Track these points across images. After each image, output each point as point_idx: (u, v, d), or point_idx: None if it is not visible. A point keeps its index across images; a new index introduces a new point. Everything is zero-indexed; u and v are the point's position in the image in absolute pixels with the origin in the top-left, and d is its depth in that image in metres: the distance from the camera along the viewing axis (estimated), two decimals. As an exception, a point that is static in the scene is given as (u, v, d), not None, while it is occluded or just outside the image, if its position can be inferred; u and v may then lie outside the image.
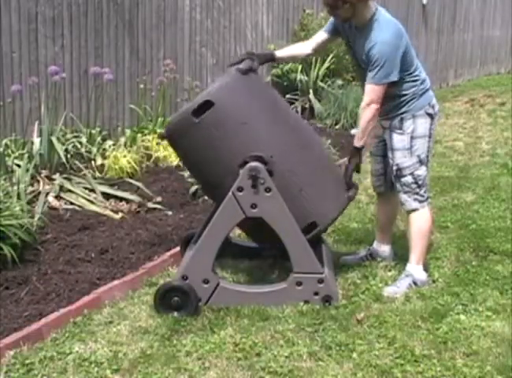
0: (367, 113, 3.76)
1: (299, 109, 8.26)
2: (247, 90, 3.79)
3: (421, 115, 3.87)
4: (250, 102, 3.75)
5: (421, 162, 3.88)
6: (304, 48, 4.17)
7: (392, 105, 3.86)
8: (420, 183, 3.89)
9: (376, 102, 3.73)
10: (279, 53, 4.10)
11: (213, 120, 3.64)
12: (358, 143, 3.83)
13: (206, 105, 3.63)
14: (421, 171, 3.89)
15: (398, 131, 3.89)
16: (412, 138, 3.87)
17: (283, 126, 3.81)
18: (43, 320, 3.41)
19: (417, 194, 3.90)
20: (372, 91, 3.74)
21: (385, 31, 3.72)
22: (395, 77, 3.73)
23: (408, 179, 3.89)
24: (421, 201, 3.91)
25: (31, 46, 5.96)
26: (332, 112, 8.22)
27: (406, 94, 3.85)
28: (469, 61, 12.50)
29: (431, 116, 3.91)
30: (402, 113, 3.87)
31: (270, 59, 4.08)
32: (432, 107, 3.92)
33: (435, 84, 11.29)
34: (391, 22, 3.79)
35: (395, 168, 3.92)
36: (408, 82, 3.84)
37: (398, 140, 3.89)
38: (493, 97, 10.30)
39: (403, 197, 3.93)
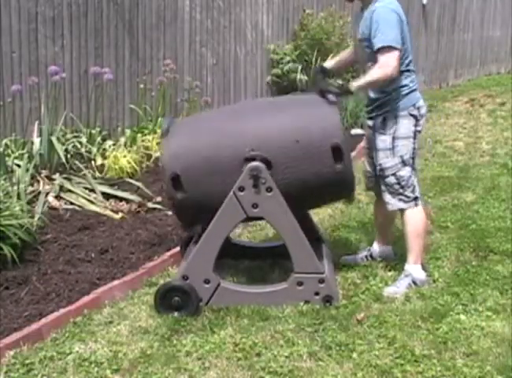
0: (378, 72, 3.68)
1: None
2: (183, 134, 3.82)
3: (404, 116, 3.85)
4: (196, 139, 3.76)
5: (404, 163, 3.87)
6: (347, 53, 4.27)
7: (376, 103, 3.87)
8: (403, 183, 3.88)
9: (389, 65, 3.64)
10: (328, 65, 4.22)
11: (191, 180, 3.68)
12: (353, 86, 3.79)
13: (175, 179, 3.67)
14: (404, 172, 3.87)
15: (381, 131, 3.88)
16: (394, 138, 3.85)
17: (237, 121, 3.82)
18: (43, 320, 3.41)
19: (401, 194, 3.89)
20: (381, 56, 3.67)
21: (384, 4, 3.74)
22: (397, 43, 3.68)
23: (391, 179, 3.89)
24: (406, 202, 3.90)
25: (31, 46, 5.96)
26: (332, 112, 8.20)
27: (390, 93, 3.82)
28: (469, 61, 12.49)
29: (415, 117, 3.87)
30: (384, 113, 3.86)
31: (322, 72, 4.14)
32: (418, 109, 3.89)
33: (435, 84, 11.35)
34: (393, 2, 3.82)
35: (378, 168, 3.93)
36: (395, 80, 3.78)
37: (380, 140, 3.89)
38: (493, 97, 10.29)
39: (387, 197, 3.93)
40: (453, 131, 8.21)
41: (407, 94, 3.85)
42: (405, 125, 3.85)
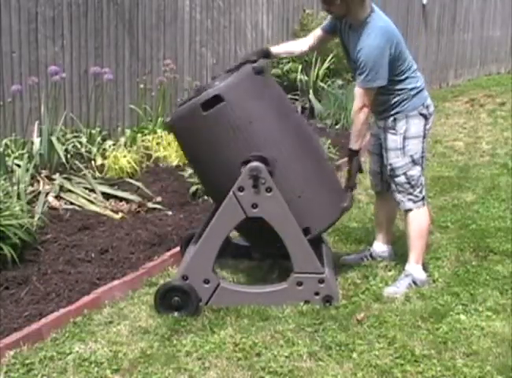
0: (360, 116, 3.78)
1: (299, 109, 8.26)
2: (257, 90, 3.78)
3: (415, 115, 3.87)
4: (258, 103, 3.74)
5: (414, 162, 3.88)
6: (300, 44, 4.19)
7: (386, 105, 3.87)
8: (413, 183, 3.89)
9: (367, 106, 3.76)
10: (274, 49, 4.11)
11: (221, 116, 3.63)
12: (354, 146, 3.85)
13: (216, 99, 3.62)
14: (415, 171, 3.89)
15: (392, 131, 3.89)
16: (405, 138, 3.86)
17: (286, 131, 3.80)
18: (43, 320, 3.41)
19: (410, 194, 3.90)
20: (361, 95, 3.77)
21: (373, 35, 3.71)
22: (383, 82, 3.74)
23: (401, 179, 3.89)
24: (415, 202, 3.91)
25: (31, 46, 5.96)
26: (332, 112, 8.22)
27: (399, 95, 3.84)
28: (469, 61, 12.49)
29: (425, 116, 3.90)
30: (395, 114, 3.87)
31: (266, 55, 4.07)
32: (426, 108, 3.91)
33: (435, 84, 11.33)
34: (382, 27, 3.76)
35: (388, 167, 3.94)
36: (402, 82, 3.84)
37: (392, 140, 3.89)
38: (493, 97, 10.30)
39: (398, 196, 3.94)
40: (453, 131, 8.21)
41: (416, 94, 3.88)
42: (415, 125, 3.87)
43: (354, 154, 3.87)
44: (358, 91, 3.78)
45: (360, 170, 3.93)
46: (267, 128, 3.71)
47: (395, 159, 3.89)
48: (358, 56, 3.74)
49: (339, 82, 8.54)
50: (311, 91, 8.43)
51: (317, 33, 4.12)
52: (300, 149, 3.82)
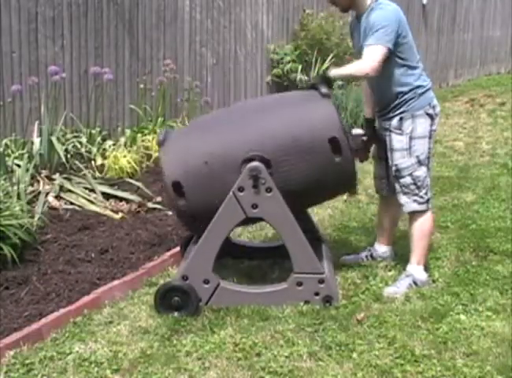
0: (359, 65, 3.70)
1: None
2: (181, 144, 3.82)
3: (421, 115, 3.86)
4: (196, 145, 3.75)
5: (420, 163, 3.87)
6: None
7: (392, 104, 3.86)
8: (419, 184, 3.87)
9: (373, 65, 3.63)
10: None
11: (192, 187, 3.66)
12: (331, 73, 3.83)
13: (176, 186, 3.67)
14: (421, 172, 3.87)
15: (398, 131, 3.88)
16: (411, 138, 3.85)
17: (236, 127, 3.80)
18: (43, 320, 3.41)
19: (416, 195, 3.88)
20: (369, 51, 3.67)
21: (381, 11, 3.74)
22: (390, 44, 3.67)
23: (407, 180, 3.88)
24: (420, 203, 3.89)
25: (31, 46, 5.96)
26: (332, 112, 8.20)
27: (405, 93, 3.84)
28: (469, 61, 12.50)
29: (431, 116, 3.89)
30: (401, 113, 3.86)
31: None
32: (433, 108, 3.90)
33: (435, 84, 11.27)
34: (391, 6, 3.80)
35: (394, 168, 3.91)
36: (408, 77, 3.82)
37: (397, 140, 3.88)
38: (493, 97, 10.30)
39: (403, 198, 3.92)
40: (453, 131, 8.21)
41: (423, 93, 3.86)
42: (422, 124, 3.85)
43: (325, 79, 3.81)
44: (365, 51, 3.68)
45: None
46: (226, 143, 3.70)
47: (401, 160, 3.87)
48: (367, 25, 3.71)
49: (339, 82, 8.54)
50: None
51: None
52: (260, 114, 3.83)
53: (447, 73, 11.99)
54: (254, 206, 3.61)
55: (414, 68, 3.85)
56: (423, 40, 11.05)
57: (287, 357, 3.18)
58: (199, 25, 7.61)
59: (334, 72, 3.87)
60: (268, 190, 3.59)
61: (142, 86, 6.88)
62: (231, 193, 3.59)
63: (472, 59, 12.58)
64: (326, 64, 8.52)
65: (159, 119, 6.79)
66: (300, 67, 8.36)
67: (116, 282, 3.88)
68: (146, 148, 6.32)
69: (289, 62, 8.38)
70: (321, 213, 5.17)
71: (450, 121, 8.79)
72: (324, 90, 3.74)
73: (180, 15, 7.35)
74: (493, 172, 6.37)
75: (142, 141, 6.42)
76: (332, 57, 8.48)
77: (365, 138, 3.99)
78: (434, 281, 4.00)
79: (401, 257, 4.20)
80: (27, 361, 3.13)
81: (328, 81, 3.84)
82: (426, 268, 4.03)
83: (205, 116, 4.33)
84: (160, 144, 3.83)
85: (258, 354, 3.20)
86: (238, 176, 3.58)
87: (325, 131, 3.64)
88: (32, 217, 4.46)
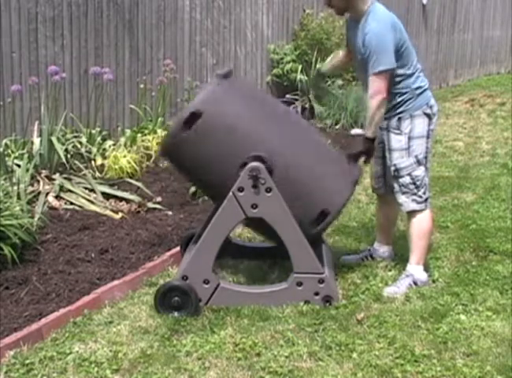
0: (373, 102, 3.75)
1: (299, 109, 8.26)
2: (231, 93, 3.80)
3: (419, 115, 3.87)
4: (236, 106, 3.75)
5: (418, 163, 3.87)
6: (342, 56, 4.30)
7: (390, 104, 3.86)
8: (418, 183, 3.88)
9: (381, 92, 3.72)
10: (325, 69, 4.38)
11: (204, 129, 3.65)
12: (368, 133, 3.84)
13: (194, 116, 3.64)
14: (419, 171, 3.88)
15: (396, 131, 3.88)
16: (410, 138, 3.86)
17: (274, 122, 3.82)
18: (43, 320, 3.41)
19: (415, 194, 3.88)
20: (374, 82, 3.74)
21: (377, 21, 3.74)
22: (391, 65, 3.72)
23: (406, 179, 3.88)
24: (419, 202, 3.90)
25: (31, 46, 5.96)
26: (331, 112, 8.22)
27: (403, 94, 3.84)
28: (469, 61, 12.50)
29: (429, 116, 3.90)
30: (399, 113, 3.86)
31: (320, 75, 4.20)
32: (430, 107, 3.91)
33: (435, 84, 11.33)
34: (386, 14, 3.81)
35: (392, 168, 3.92)
36: (406, 80, 3.84)
37: (396, 140, 3.88)
38: (493, 97, 10.30)
39: (401, 198, 3.92)
40: (453, 131, 8.21)
41: (421, 93, 3.87)
42: (420, 124, 3.86)
43: (369, 142, 3.85)
44: (370, 80, 3.75)
45: (368, 158, 3.94)
46: (253, 127, 3.72)
47: (400, 159, 3.87)
48: (364, 43, 3.74)
49: (339, 82, 8.55)
50: (311, 91, 8.43)
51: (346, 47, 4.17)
52: (295, 137, 3.84)
53: (447, 73, 11.99)
54: (254, 206, 3.61)
55: (412, 71, 3.86)
56: (423, 40, 11.05)
57: (287, 357, 3.18)
58: (199, 25, 7.61)
59: (370, 132, 3.84)
60: (268, 190, 3.59)
61: (142, 86, 6.88)
62: (230, 193, 3.59)
63: (472, 59, 12.58)
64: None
65: (159, 119, 6.79)
66: (300, 67, 8.36)
67: (116, 282, 3.88)
68: (146, 148, 6.31)
69: (289, 62, 8.38)
70: (321, 213, 5.16)
71: (450, 121, 8.79)
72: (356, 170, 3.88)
73: (180, 15, 7.35)
74: (493, 172, 6.37)
75: (142, 141, 6.42)
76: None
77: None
78: (434, 281, 4.00)
79: (401, 257, 4.20)
80: (27, 361, 3.13)
81: (371, 141, 3.86)
82: (426, 268, 4.03)
83: (255, 92, 4.29)
84: (221, 77, 3.80)
85: (258, 354, 3.20)
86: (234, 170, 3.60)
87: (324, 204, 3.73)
88: (32, 217, 4.45)
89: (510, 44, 13.39)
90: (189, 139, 3.66)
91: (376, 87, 3.72)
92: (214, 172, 3.72)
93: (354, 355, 3.20)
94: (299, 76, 8.33)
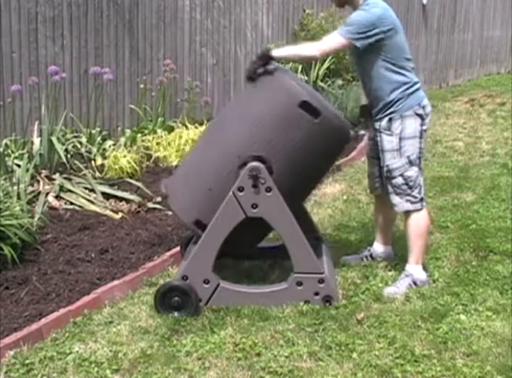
0: (310, 50, 3.77)
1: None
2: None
3: (410, 115, 3.85)
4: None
5: (411, 163, 3.86)
6: None
7: (380, 105, 3.86)
8: (411, 184, 3.87)
9: (321, 50, 3.73)
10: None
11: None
12: (274, 52, 3.78)
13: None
14: (412, 172, 3.87)
15: (387, 132, 3.87)
16: (401, 139, 3.85)
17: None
18: (43, 320, 3.41)
19: (409, 195, 3.88)
20: (328, 39, 3.76)
21: (366, 10, 3.76)
22: (358, 42, 3.71)
23: (398, 180, 3.88)
24: (413, 202, 3.89)
25: (31, 46, 5.96)
26: (331, 112, 8.21)
27: (394, 93, 3.82)
28: (469, 61, 12.50)
29: (421, 116, 3.87)
30: (390, 114, 3.85)
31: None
32: (423, 108, 3.88)
33: (435, 84, 11.35)
34: (378, 5, 3.80)
35: (385, 169, 3.91)
36: (395, 78, 3.81)
37: (387, 141, 3.87)
38: (493, 97, 10.30)
39: (396, 198, 3.91)
40: (453, 131, 8.21)
41: (411, 93, 3.85)
42: (411, 125, 3.84)
43: (266, 57, 3.76)
44: (328, 36, 3.77)
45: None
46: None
47: (392, 160, 3.87)
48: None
49: (339, 82, 8.55)
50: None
51: None
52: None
53: (447, 73, 11.99)
54: (254, 206, 3.61)
55: (402, 67, 3.83)
56: (423, 40, 11.05)
57: (287, 357, 3.18)
58: (199, 25, 7.61)
59: (278, 51, 3.80)
60: (268, 189, 3.59)
61: (142, 86, 6.89)
62: (230, 193, 3.60)
63: (472, 59, 12.58)
64: (326, 64, 8.53)
65: (159, 119, 6.79)
66: (300, 67, 8.36)
67: (116, 282, 3.88)
68: (146, 148, 6.32)
69: (289, 62, 8.37)
70: (321, 213, 5.17)
71: (450, 121, 8.79)
72: (270, 66, 3.74)
73: (180, 15, 7.36)
74: (493, 172, 6.37)
75: (142, 141, 6.43)
76: (332, 57, 8.48)
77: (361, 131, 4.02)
78: (434, 281, 4.00)
79: (400, 257, 4.20)
80: (27, 361, 3.13)
81: (267, 59, 3.76)
82: (425, 268, 4.03)
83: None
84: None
85: (258, 354, 3.20)
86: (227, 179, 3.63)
87: (292, 99, 3.63)
88: (32, 217, 4.46)
89: (510, 44, 13.39)
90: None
91: (325, 44, 3.74)
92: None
93: (354, 355, 3.20)
94: (299, 76, 8.32)
